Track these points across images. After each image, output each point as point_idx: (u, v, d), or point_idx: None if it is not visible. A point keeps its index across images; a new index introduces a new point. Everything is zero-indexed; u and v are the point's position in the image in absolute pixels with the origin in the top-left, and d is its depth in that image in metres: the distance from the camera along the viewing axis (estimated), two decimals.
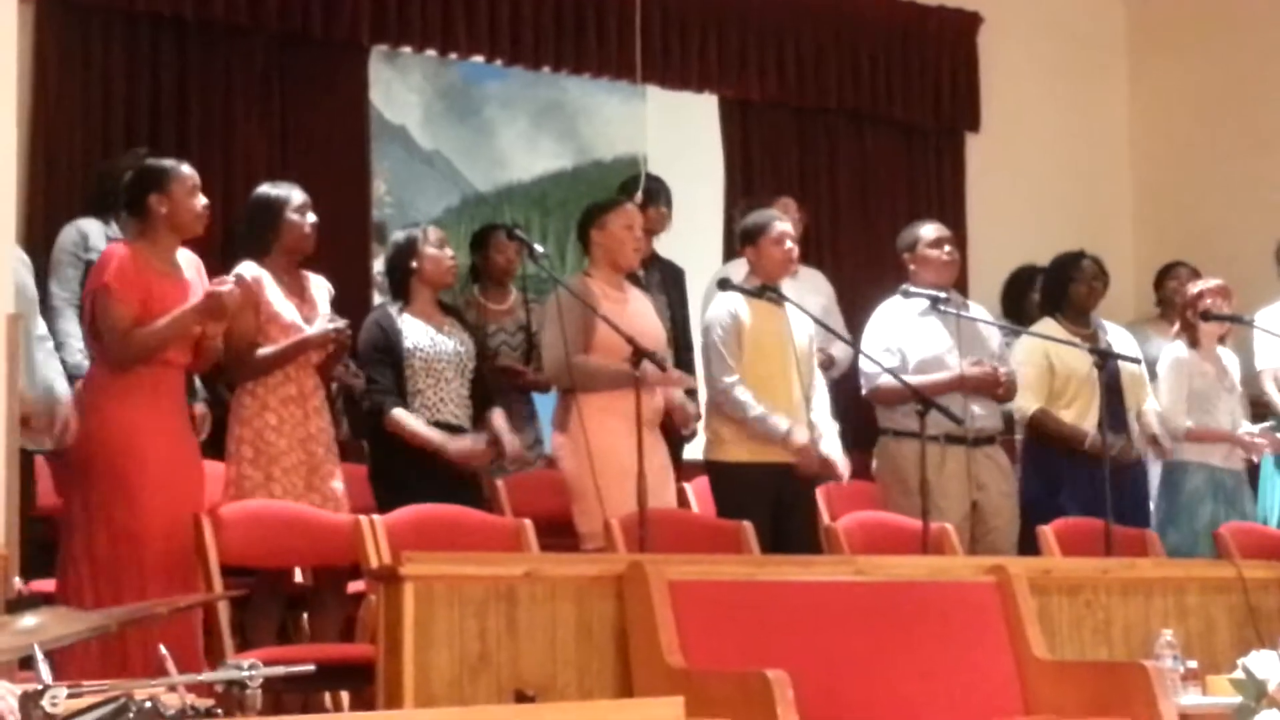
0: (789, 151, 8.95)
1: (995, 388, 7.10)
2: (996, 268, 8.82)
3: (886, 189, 9.15)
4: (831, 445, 6.63)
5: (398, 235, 6.55)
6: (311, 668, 3.52)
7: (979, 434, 7.09)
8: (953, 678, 5.25)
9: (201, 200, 5.71)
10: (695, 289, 7.73)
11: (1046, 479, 7.29)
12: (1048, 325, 7.47)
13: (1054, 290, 7.65)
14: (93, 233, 6.40)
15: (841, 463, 6.63)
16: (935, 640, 5.30)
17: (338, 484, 5.91)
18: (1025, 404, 7.32)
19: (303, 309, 5.99)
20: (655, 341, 6.40)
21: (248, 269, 5.93)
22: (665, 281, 7.61)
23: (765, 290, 6.65)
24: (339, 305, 6.19)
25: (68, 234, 6.43)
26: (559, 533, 6.22)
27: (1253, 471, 7.79)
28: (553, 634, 4.80)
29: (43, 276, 6.22)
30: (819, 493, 6.70)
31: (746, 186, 8.68)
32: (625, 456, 5.86)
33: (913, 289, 7.15)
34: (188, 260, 5.75)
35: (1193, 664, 5.55)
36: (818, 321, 6.91)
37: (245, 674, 3.18)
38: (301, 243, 6.05)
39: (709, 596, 4.99)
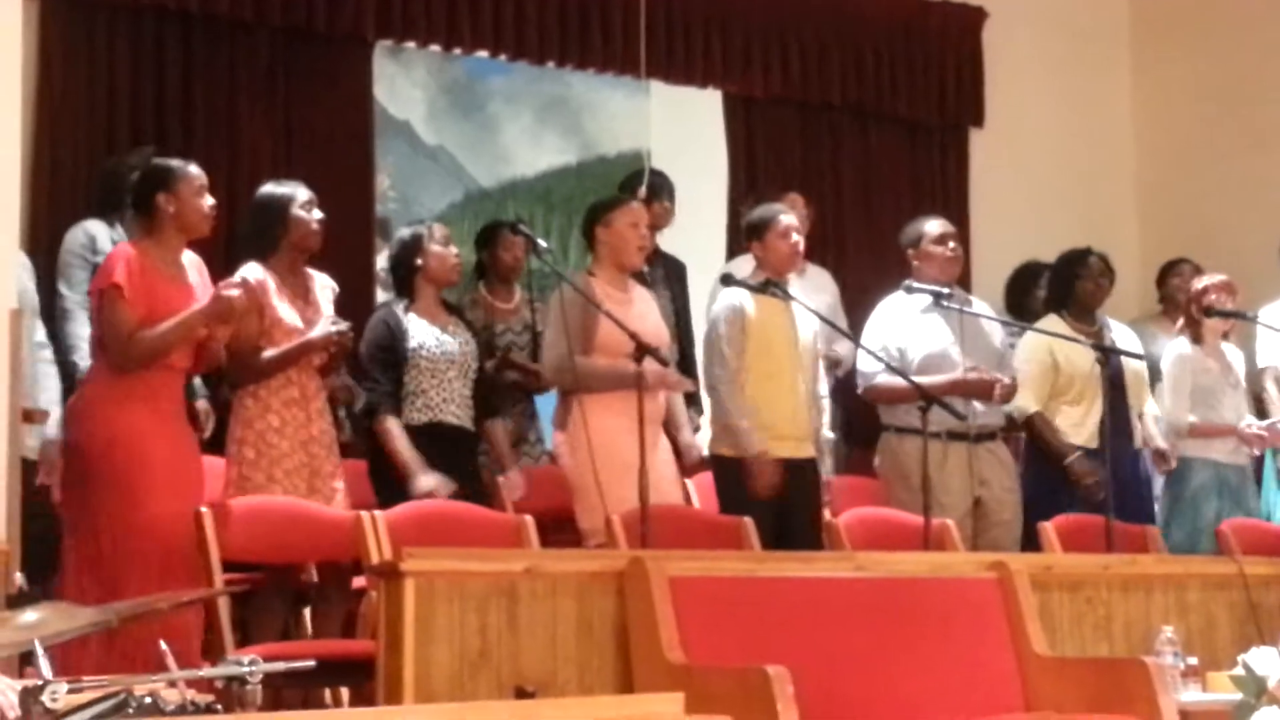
0: (793, 147, 8.94)
1: (989, 396, 7.06)
2: (1000, 263, 8.80)
3: (890, 184, 9.14)
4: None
5: (403, 232, 6.53)
6: (311, 664, 3.54)
7: (981, 430, 7.09)
8: (953, 673, 5.25)
9: (209, 200, 5.71)
10: (698, 285, 7.74)
11: (1048, 475, 7.27)
12: (1053, 322, 7.44)
13: (1060, 287, 7.62)
14: (99, 235, 6.39)
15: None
16: (936, 636, 5.30)
17: (339, 485, 5.91)
18: (1024, 404, 7.30)
19: (305, 310, 5.98)
20: (658, 342, 6.39)
21: (251, 271, 5.91)
22: (669, 277, 7.61)
23: (769, 285, 6.63)
24: (342, 301, 6.19)
25: (75, 236, 6.42)
26: (560, 529, 6.22)
27: (1257, 467, 7.79)
28: (553, 630, 4.79)
29: (45, 276, 6.22)
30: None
31: (750, 182, 8.66)
32: (627, 452, 5.86)
33: (916, 285, 7.12)
34: (191, 261, 5.75)
35: (1193, 660, 5.54)
36: (822, 319, 6.90)
37: (245, 670, 3.20)
38: (309, 239, 6.03)
39: (710, 592, 4.98)
